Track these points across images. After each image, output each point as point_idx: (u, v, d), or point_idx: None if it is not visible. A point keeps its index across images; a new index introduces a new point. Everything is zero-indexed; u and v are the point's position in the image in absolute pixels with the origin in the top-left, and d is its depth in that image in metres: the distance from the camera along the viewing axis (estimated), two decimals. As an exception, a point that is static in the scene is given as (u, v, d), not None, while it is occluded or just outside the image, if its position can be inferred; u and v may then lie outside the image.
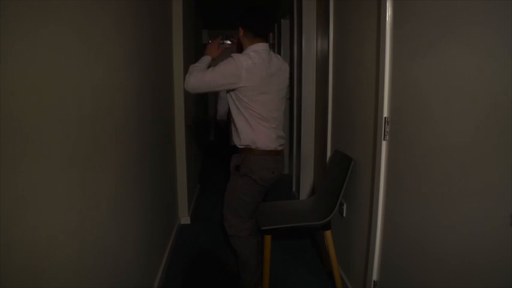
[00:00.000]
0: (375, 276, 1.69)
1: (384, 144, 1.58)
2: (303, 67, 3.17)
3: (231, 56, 1.83)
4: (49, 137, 0.90)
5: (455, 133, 1.09)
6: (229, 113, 3.50)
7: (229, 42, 3.18)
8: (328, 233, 2.04)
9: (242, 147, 1.94)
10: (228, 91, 1.91)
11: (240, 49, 2.01)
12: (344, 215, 2.16)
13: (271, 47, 5.98)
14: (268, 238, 1.98)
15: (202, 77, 1.83)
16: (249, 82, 1.81)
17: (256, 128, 1.89)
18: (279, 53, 4.86)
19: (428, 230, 1.25)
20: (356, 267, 1.97)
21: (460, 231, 1.08)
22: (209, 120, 7.02)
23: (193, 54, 3.93)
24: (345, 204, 2.14)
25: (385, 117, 1.56)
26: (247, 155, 1.91)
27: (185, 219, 3.17)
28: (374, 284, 1.70)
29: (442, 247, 1.17)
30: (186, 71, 3.07)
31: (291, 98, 3.94)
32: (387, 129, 1.55)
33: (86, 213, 1.12)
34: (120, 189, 1.47)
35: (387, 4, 1.50)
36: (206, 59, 1.97)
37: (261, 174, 1.90)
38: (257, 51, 1.87)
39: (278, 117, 1.96)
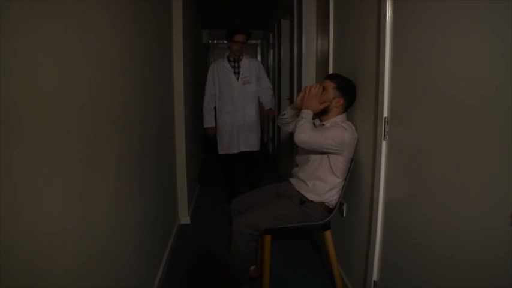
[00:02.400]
0: (375, 276, 1.69)
1: (384, 144, 1.58)
2: (303, 67, 3.17)
3: (343, 126, 1.90)
4: (49, 136, 0.90)
5: (455, 133, 1.09)
6: (216, 119, 3.42)
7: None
8: (328, 233, 2.04)
9: (316, 199, 1.99)
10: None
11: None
12: (344, 215, 2.16)
13: (271, 46, 5.98)
14: (268, 238, 1.98)
15: (315, 137, 1.87)
16: (351, 152, 1.96)
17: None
18: (279, 53, 4.85)
19: (428, 230, 1.24)
20: (356, 267, 1.97)
21: (460, 231, 1.08)
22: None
23: (193, 54, 3.93)
24: (345, 204, 2.14)
25: (385, 117, 1.56)
26: (317, 204, 1.99)
27: (185, 219, 3.17)
28: (374, 284, 1.70)
29: (442, 247, 1.16)
30: (186, 70, 3.07)
31: (291, 99, 3.94)
32: (387, 129, 1.55)
33: (86, 212, 1.12)
34: (120, 189, 1.47)
35: (387, 4, 1.50)
36: (309, 114, 1.94)
37: (316, 218, 2.00)
38: (349, 123, 1.95)
39: None
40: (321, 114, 2.01)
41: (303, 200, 2.00)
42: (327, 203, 1.99)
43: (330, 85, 1.95)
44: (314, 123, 2.00)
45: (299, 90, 3.35)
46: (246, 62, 3.40)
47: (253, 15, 5.76)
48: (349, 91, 1.96)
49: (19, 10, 0.79)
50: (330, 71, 2.38)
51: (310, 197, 1.99)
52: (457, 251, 1.09)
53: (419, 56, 1.29)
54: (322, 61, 2.72)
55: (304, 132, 1.86)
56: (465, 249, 1.05)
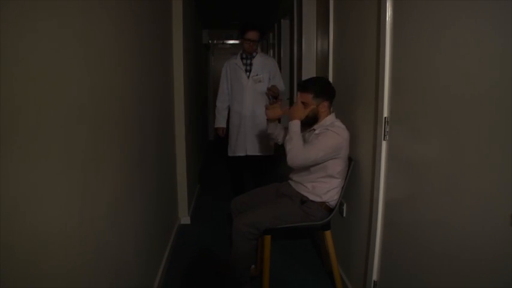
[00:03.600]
0: (375, 276, 1.69)
1: (384, 144, 1.58)
2: (303, 67, 3.17)
3: (332, 131, 1.89)
4: (49, 137, 0.90)
5: (455, 133, 1.09)
6: (228, 120, 3.35)
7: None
8: (328, 233, 2.04)
9: (317, 200, 2.00)
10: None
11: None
12: (344, 215, 2.16)
13: (271, 47, 5.98)
14: (268, 238, 1.98)
15: (308, 155, 1.86)
16: (347, 152, 1.96)
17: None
18: (279, 53, 4.85)
19: (429, 229, 1.24)
20: (356, 267, 1.97)
21: (460, 231, 1.08)
22: (208, 119, 7.03)
23: (193, 54, 3.93)
24: (345, 204, 2.14)
25: (385, 117, 1.56)
26: (318, 204, 1.99)
27: (185, 219, 3.17)
28: (374, 284, 1.70)
29: (442, 247, 1.17)
30: (186, 70, 3.07)
31: (291, 99, 3.94)
32: (387, 129, 1.55)
33: (86, 213, 1.12)
34: (120, 189, 1.47)
35: (387, 4, 1.50)
36: (297, 126, 1.92)
37: (316, 218, 2.00)
38: (338, 124, 1.95)
39: None
40: (312, 124, 2.00)
41: (304, 200, 2.00)
42: (327, 203, 1.99)
43: (308, 98, 1.94)
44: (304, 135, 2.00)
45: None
46: (259, 60, 3.18)
47: (253, 15, 5.76)
48: (326, 91, 1.96)
49: (19, 10, 0.79)
50: (330, 71, 2.38)
51: (311, 197, 1.99)
52: (457, 250, 1.09)
53: (419, 56, 1.30)
54: (322, 61, 2.72)
55: (297, 156, 1.86)
56: (465, 249, 1.05)
